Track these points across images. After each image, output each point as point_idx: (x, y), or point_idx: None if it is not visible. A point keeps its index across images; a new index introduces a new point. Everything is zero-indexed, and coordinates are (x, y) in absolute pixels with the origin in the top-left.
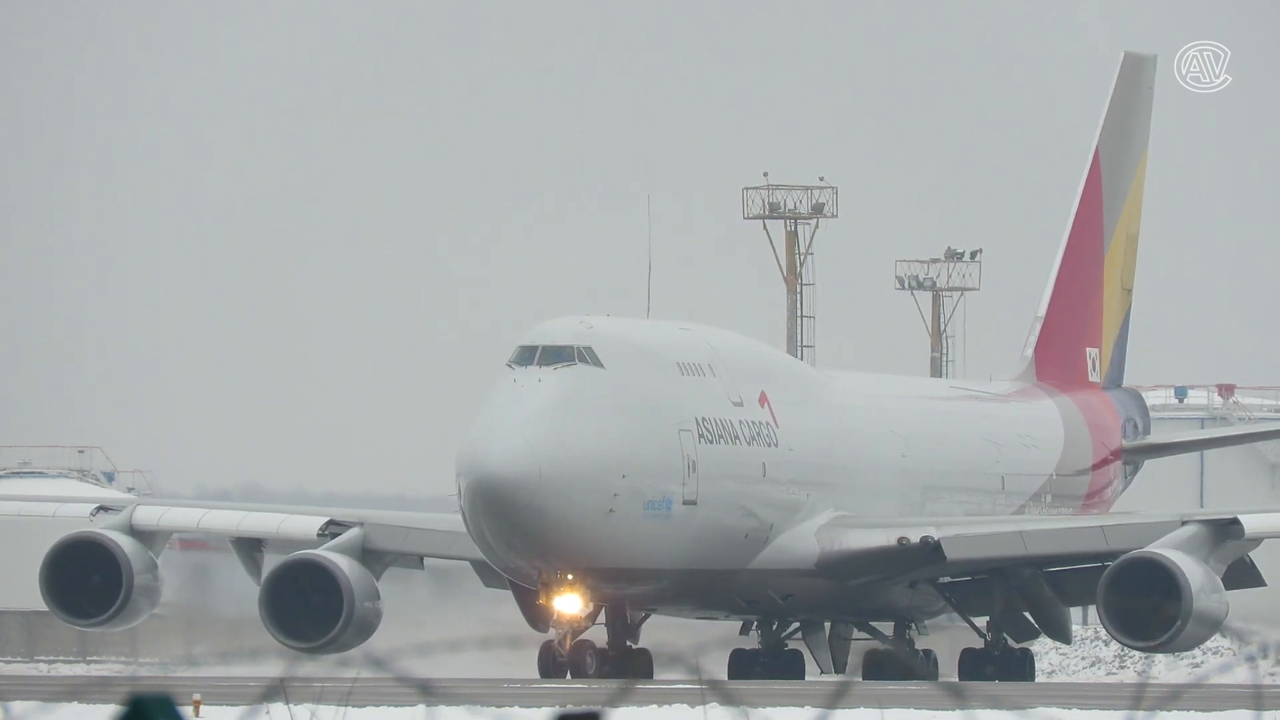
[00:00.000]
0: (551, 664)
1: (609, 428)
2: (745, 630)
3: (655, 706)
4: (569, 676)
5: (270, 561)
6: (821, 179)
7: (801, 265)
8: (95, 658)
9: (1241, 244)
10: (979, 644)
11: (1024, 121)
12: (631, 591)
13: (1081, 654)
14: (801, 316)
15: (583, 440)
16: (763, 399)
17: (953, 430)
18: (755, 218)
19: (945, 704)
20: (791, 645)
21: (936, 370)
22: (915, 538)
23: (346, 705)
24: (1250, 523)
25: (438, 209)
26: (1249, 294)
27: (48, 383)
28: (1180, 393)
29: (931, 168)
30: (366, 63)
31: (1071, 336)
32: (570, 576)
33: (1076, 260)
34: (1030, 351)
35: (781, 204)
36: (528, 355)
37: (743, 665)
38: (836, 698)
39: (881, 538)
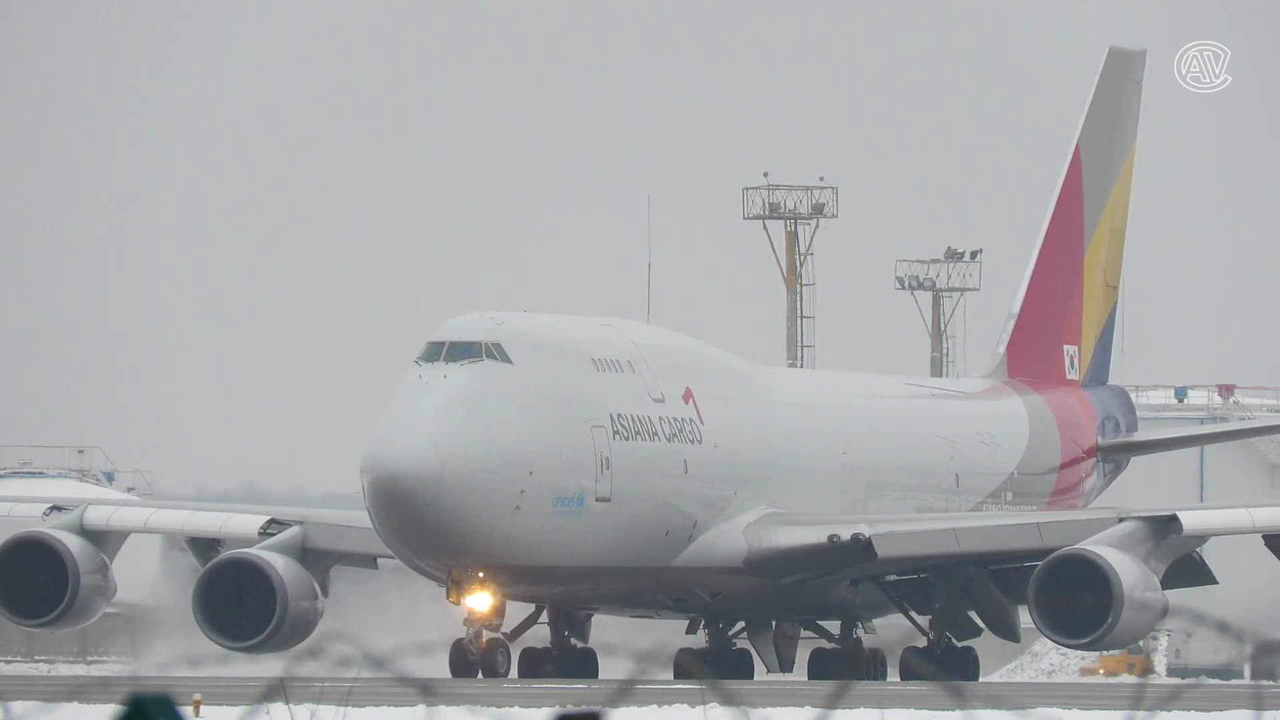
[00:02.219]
0: (463, 662)
1: (516, 424)
2: (693, 629)
3: (655, 706)
4: (480, 676)
5: None
6: (821, 179)
7: (801, 265)
8: (95, 658)
9: (1242, 244)
10: (922, 642)
11: (1024, 121)
12: (546, 589)
13: (1082, 654)
14: (801, 317)
15: (488, 436)
16: (687, 395)
17: (903, 428)
18: (755, 218)
19: (945, 704)
20: (741, 644)
21: (937, 370)
22: (846, 535)
23: (346, 705)
24: (1189, 520)
25: (437, 209)
26: (1249, 294)
27: (48, 383)
28: (1180, 393)
29: (931, 168)
30: (366, 63)
31: (1047, 334)
32: (481, 574)
33: (1054, 257)
34: (1002, 349)
35: (781, 204)
36: (435, 351)
37: (690, 665)
38: (836, 698)
39: (812, 535)
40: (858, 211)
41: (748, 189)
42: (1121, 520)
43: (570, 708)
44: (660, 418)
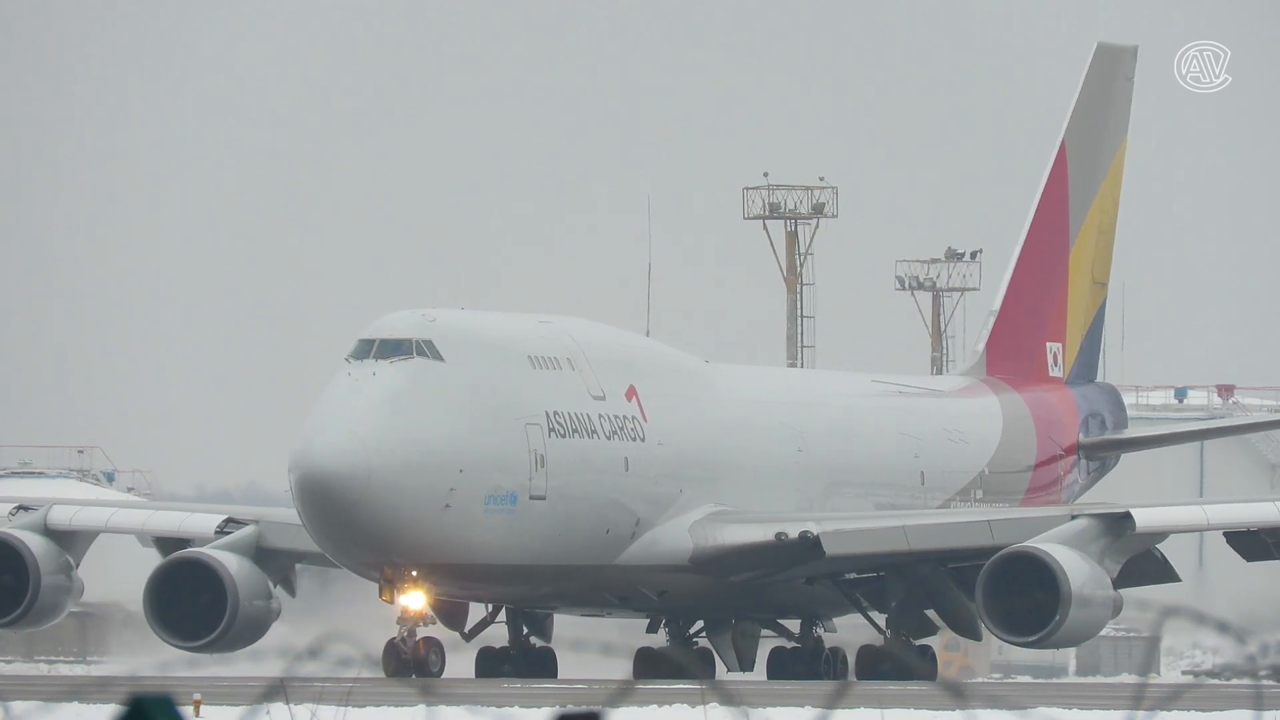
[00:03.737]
0: (396, 662)
1: (446, 421)
2: (653, 629)
3: (655, 706)
4: (415, 676)
5: None
6: (822, 179)
7: (802, 265)
8: (96, 658)
9: (1243, 245)
10: (879, 641)
11: (1025, 122)
12: (482, 588)
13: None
14: (801, 317)
15: (416, 434)
16: (630, 393)
17: (865, 425)
18: (755, 218)
19: (946, 704)
20: (702, 644)
21: (938, 370)
22: (794, 533)
23: (347, 705)
24: (1142, 517)
25: (437, 210)
26: (1250, 295)
27: (48, 383)
28: (1180, 393)
29: (932, 168)
30: (366, 62)
31: (1028, 331)
32: (414, 573)
33: (1037, 253)
34: (981, 346)
35: (782, 204)
36: (365, 349)
37: (649, 664)
38: (836, 698)
39: (759, 533)
40: (858, 211)
41: (748, 189)
42: (1074, 518)
43: (570, 707)
44: (600, 415)
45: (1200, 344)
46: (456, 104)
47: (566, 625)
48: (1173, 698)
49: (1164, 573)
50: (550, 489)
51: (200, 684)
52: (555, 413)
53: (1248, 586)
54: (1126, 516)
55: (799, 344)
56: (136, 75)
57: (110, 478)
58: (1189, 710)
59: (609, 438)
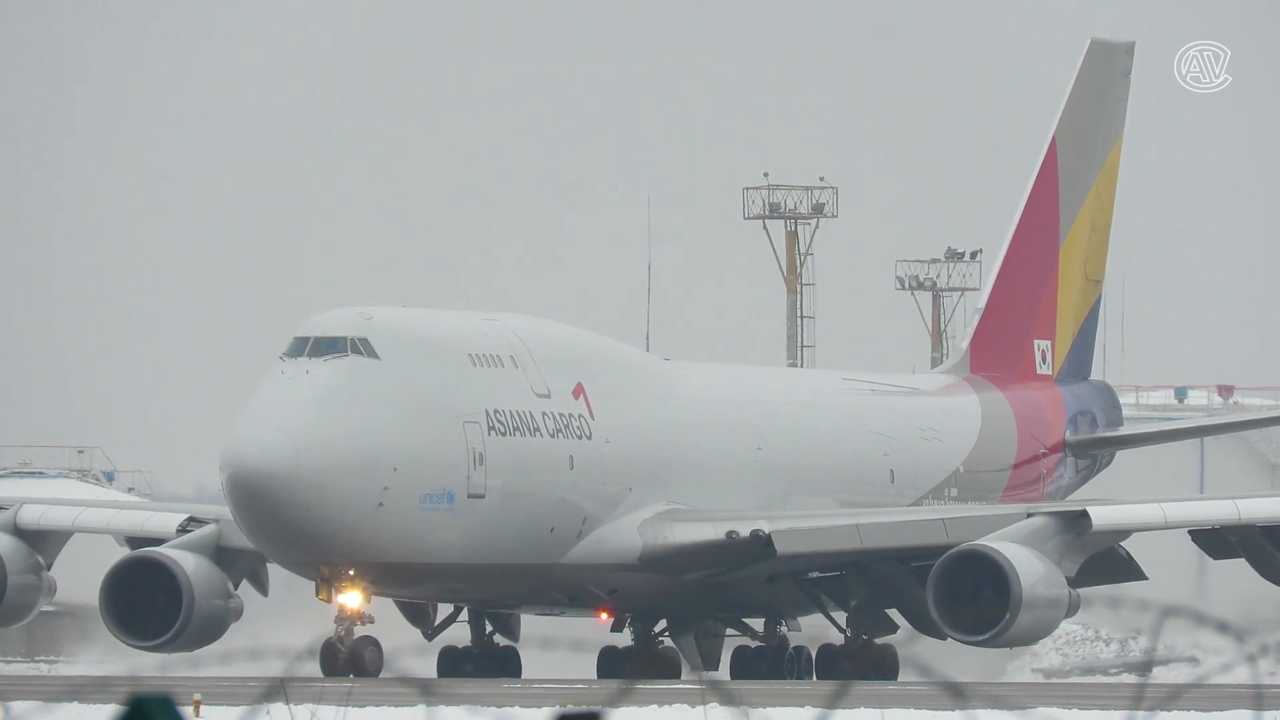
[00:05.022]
0: (333, 660)
1: (380, 419)
2: (618, 628)
3: (656, 706)
4: (352, 676)
5: None
6: (822, 179)
7: (802, 265)
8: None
9: (1243, 245)
10: (839, 640)
11: (1026, 122)
12: (421, 587)
13: (1081, 654)
14: (802, 317)
15: (348, 432)
16: (578, 391)
17: (831, 424)
18: (755, 218)
19: (946, 704)
20: (668, 643)
21: None
22: (745, 531)
23: (347, 705)
24: (1099, 515)
25: (437, 211)
26: (1251, 295)
27: (48, 382)
28: (1180, 393)
29: (932, 167)
30: (366, 62)
31: (1015, 328)
32: (352, 572)
33: (1025, 250)
34: (965, 344)
35: (782, 204)
36: (299, 347)
37: (613, 664)
38: (837, 698)
39: (710, 531)
40: (858, 211)
41: (748, 189)
42: (1030, 516)
43: (570, 707)
44: (544, 413)
45: (1201, 344)
46: (456, 103)
47: (537, 625)
48: (1173, 698)
49: (1129, 571)
50: (489, 487)
51: (200, 684)
52: (496, 411)
53: (1249, 587)
54: (1083, 515)
55: (799, 344)
56: (136, 76)
57: (110, 478)
58: (1189, 710)
59: (553, 436)
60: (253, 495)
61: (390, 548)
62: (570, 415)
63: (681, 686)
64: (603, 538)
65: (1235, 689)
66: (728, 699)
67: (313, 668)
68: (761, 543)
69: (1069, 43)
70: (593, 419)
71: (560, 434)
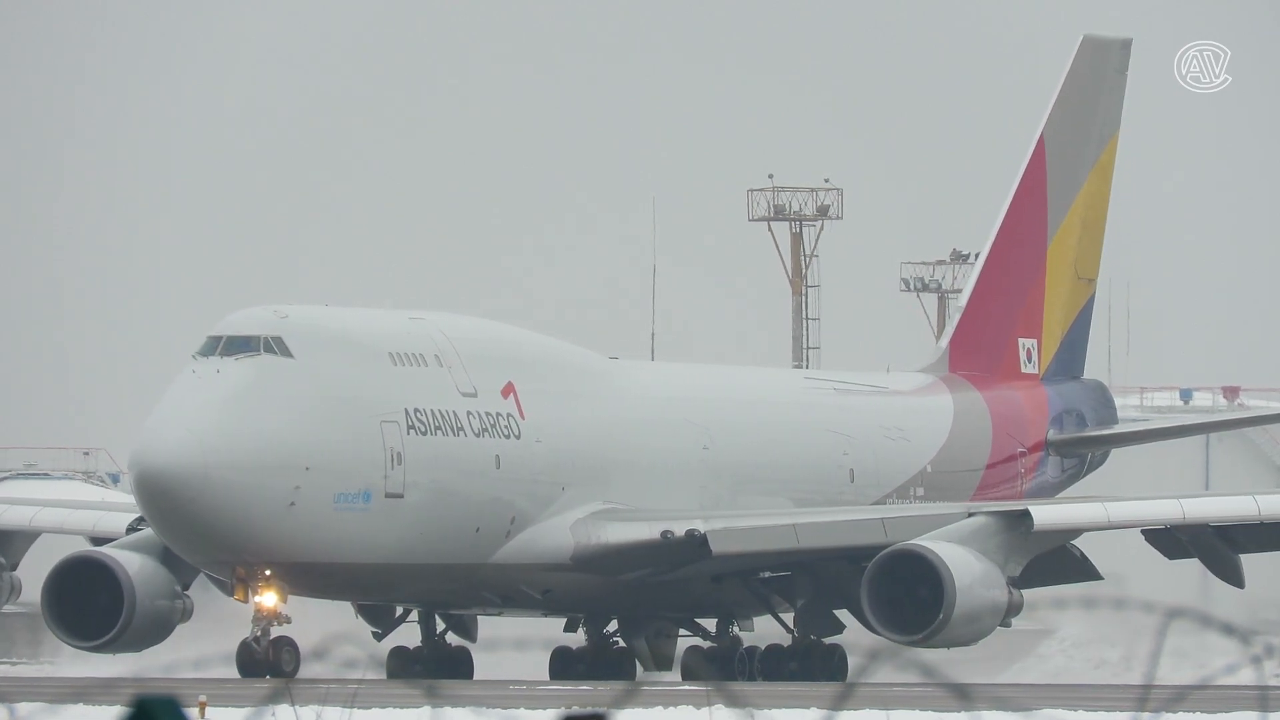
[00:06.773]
0: (250, 662)
1: (291, 418)
2: (571, 628)
3: (661, 708)
4: (268, 677)
5: None
6: (827, 181)
7: (807, 267)
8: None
9: (1249, 246)
10: (787, 640)
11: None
12: (337, 587)
13: (1087, 655)
14: (807, 319)
15: (257, 431)
16: (508, 390)
17: (786, 422)
18: (760, 220)
19: (951, 705)
20: (622, 644)
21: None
22: (680, 531)
23: (352, 707)
24: (1040, 515)
25: (437, 212)
26: (1256, 297)
27: (53, 385)
28: (1185, 395)
29: (936, 169)
30: (367, 64)
31: (997, 326)
32: (268, 572)
33: (1010, 249)
34: (945, 343)
35: (787, 206)
36: (211, 346)
37: (566, 664)
38: (841, 699)
39: (645, 531)
40: (863, 213)
41: (753, 191)
42: (971, 515)
43: (575, 709)
44: (469, 412)
45: (1206, 346)
46: (459, 106)
47: (495, 625)
48: (1178, 699)
49: (1083, 571)
50: (409, 486)
51: (205, 685)
52: (416, 410)
53: (1254, 589)
54: (1025, 514)
55: (804, 346)
56: (137, 76)
57: (116, 479)
58: (1194, 712)
59: (478, 435)
60: (159, 494)
61: (303, 548)
62: (498, 414)
63: (687, 688)
64: (533, 537)
65: (1240, 690)
66: (733, 700)
67: (319, 669)
68: (697, 542)
69: (1070, 43)
70: (523, 418)
71: (486, 433)
